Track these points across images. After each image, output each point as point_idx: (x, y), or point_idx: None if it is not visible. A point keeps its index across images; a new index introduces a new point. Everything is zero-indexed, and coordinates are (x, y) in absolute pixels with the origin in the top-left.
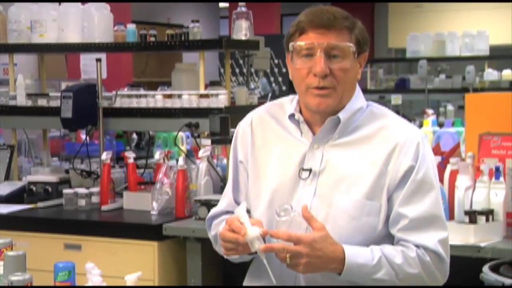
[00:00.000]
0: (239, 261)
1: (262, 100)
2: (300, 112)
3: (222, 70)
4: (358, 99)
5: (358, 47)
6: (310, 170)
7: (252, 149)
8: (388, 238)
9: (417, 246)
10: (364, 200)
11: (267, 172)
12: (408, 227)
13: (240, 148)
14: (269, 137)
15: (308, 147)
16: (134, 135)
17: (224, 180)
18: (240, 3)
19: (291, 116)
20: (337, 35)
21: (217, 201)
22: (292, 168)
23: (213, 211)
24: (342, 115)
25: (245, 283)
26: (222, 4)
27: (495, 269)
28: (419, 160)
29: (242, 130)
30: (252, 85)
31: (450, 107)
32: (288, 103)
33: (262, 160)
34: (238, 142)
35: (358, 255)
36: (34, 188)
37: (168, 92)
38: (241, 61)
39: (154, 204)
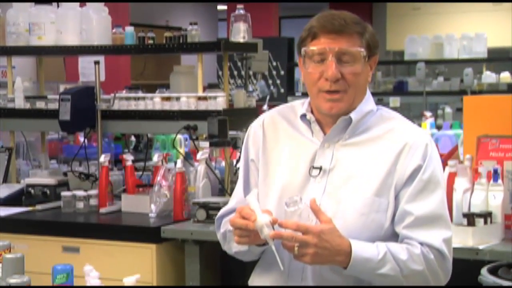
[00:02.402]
0: (247, 259)
1: (260, 102)
2: (311, 113)
3: (220, 73)
4: (369, 102)
5: (368, 51)
6: (321, 168)
7: (263, 148)
8: (394, 237)
9: (422, 243)
10: (373, 196)
11: (277, 170)
12: (413, 225)
13: (252, 147)
14: (280, 136)
15: (319, 146)
16: (132, 138)
17: (222, 183)
18: (238, 6)
19: (303, 116)
20: (348, 40)
21: (215, 203)
22: (303, 166)
23: (223, 210)
24: (353, 115)
25: (251, 279)
26: (220, 7)
27: (493, 271)
28: (427, 160)
29: (253, 130)
30: (250, 88)
31: (448, 110)
32: (300, 106)
33: (273, 159)
34: (250, 142)
35: (364, 250)
36: (32, 191)
37: (166, 94)
38: (239, 64)
39: (152, 206)
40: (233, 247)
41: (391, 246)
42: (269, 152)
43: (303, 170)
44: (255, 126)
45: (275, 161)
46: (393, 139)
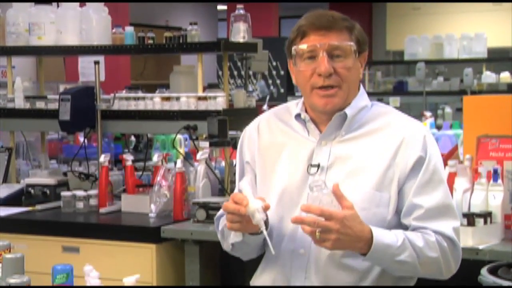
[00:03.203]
0: (245, 255)
1: (260, 102)
2: (306, 112)
3: (220, 73)
4: (363, 98)
5: (358, 47)
6: (318, 166)
7: (259, 150)
8: (399, 228)
9: (434, 232)
10: (373, 191)
11: (276, 170)
12: (424, 217)
13: (247, 150)
14: (276, 137)
15: (316, 144)
16: (132, 138)
17: (222, 183)
18: (238, 6)
19: (297, 116)
20: (338, 35)
21: (215, 203)
22: (301, 165)
23: (221, 210)
24: (348, 111)
25: (252, 280)
26: (220, 7)
27: (493, 271)
28: (428, 151)
29: (248, 133)
30: (250, 88)
31: (448, 110)
32: (294, 106)
33: (270, 160)
34: (245, 145)
35: (384, 236)
36: (32, 191)
37: (166, 94)
38: (239, 64)
39: (152, 206)
40: (230, 240)
41: (408, 233)
42: (266, 153)
43: (302, 169)
44: (249, 129)
45: (273, 161)
46: (391, 133)
